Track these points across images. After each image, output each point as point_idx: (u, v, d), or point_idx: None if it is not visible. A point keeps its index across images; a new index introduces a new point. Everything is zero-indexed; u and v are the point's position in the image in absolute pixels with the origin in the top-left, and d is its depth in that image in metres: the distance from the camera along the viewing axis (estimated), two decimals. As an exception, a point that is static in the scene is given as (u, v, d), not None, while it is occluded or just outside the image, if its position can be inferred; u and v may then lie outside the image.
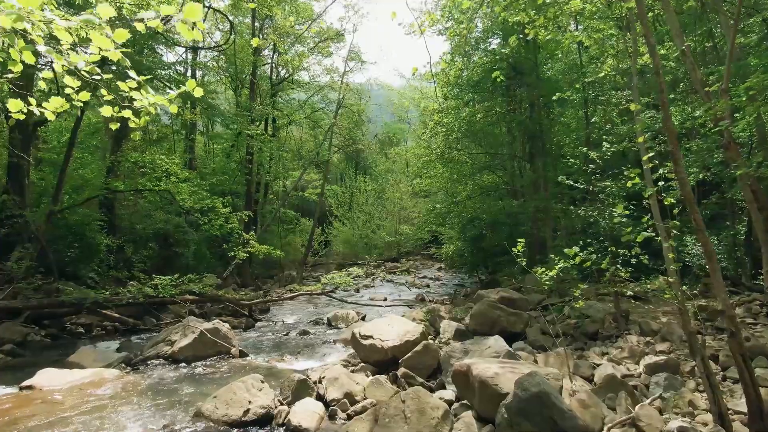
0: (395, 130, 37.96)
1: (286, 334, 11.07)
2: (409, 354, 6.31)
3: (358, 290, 17.56)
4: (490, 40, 12.19)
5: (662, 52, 12.39)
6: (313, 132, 28.24)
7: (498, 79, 7.32)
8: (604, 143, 8.03)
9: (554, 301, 9.32)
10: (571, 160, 7.98)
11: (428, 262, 28.43)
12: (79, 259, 13.48)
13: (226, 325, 8.36)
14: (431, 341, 6.92)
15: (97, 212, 15.21)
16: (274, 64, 24.90)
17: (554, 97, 7.92)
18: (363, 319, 12.66)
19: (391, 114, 38.58)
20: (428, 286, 19.00)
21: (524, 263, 5.99)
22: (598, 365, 6.49)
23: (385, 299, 15.87)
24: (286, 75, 24.09)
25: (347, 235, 29.36)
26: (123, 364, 7.63)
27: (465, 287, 18.52)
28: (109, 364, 7.72)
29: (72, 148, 12.19)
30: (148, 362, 7.59)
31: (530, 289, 11.76)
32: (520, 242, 6.17)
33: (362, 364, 6.66)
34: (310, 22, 22.81)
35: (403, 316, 11.01)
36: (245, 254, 14.35)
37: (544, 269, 5.85)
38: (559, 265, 5.73)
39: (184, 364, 7.46)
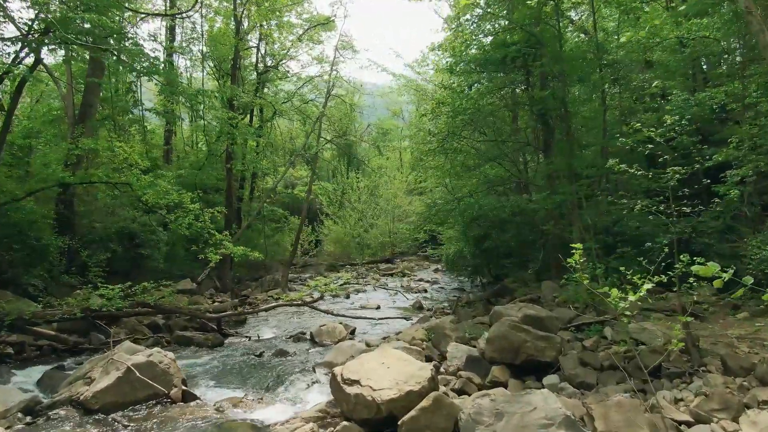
0: (389, 126, 35.77)
1: (259, 355, 8.95)
2: (413, 412, 4.18)
3: (348, 296, 15.42)
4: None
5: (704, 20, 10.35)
6: (304, 127, 26.08)
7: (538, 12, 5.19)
8: (666, 117, 5.96)
9: (590, 320, 7.21)
10: (621, 139, 5.89)
11: (424, 263, 26.30)
12: (22, 262, 11.23)
13: (169, 355, 6.18)
14: (444, 394, 4.76)
15: (52, 209, 12.98)
16: (261, 55, 22.75)
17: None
18: (352, 333, 10.54)
19: (385, 109, 36.44)
20: (425, 290, 16.89)
21: (587, 282, 3.89)
22: (683, 425, 4.42)
23: (378, 307, 13.75)
24: (273, 64, 21.87)
25: (339, 234, 27.15)
26: (21, 413, 5.45)
27: (466, 292, 16.43)
28: (8, 410, 5.55)
29: (6, 132, 9.93)
30: (54, 411, 5.41)
31: (550, 301, 9.68)
32: (577, 249, 4.06)
33: (344, 423, 4.52)
34: (297, 5, 20.58)
35: (398, 335, 8.91)
36: (218, 256, 12.17)
37: (619, 293, 3.74)
38: (646, 286, 3.64)
39: (100, 414, 5.27)
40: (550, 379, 6.14)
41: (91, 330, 9.71)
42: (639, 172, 5.69)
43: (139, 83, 16.16)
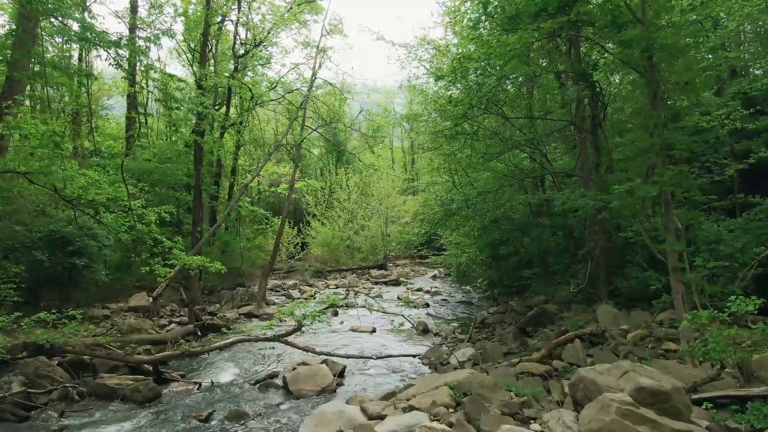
0: (381, 121, 32.65)
1: (205, 419, 5.86)
2: None
3: (336, 313, 12.30)
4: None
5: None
6: (289, 120, 22.86)
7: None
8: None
9: (738, 391, 4.14)
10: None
11: (419, 268, 23.26)
12: None
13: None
14: None
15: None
16: (240, 39, 19.53)
17: None
18: (341, 375, 7.49)
19: (377, 106, 33.34)
20: (427, 305, 13.81)
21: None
22: None
23: (374, 330, 10.70)
24: (253, 46, 18.63)
25: (326, 237, 23.93)
26: None
27: (474, 305, 13.44)
28: None
29: None
30: None
31: (618, 336, 6.64)
32: None
33: None
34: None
35: (409, 392, 5.75)
36: (167, 270, 8.97)
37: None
38: None
39: None
40: None
41: (-33, 379, 6.46)
42: None
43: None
